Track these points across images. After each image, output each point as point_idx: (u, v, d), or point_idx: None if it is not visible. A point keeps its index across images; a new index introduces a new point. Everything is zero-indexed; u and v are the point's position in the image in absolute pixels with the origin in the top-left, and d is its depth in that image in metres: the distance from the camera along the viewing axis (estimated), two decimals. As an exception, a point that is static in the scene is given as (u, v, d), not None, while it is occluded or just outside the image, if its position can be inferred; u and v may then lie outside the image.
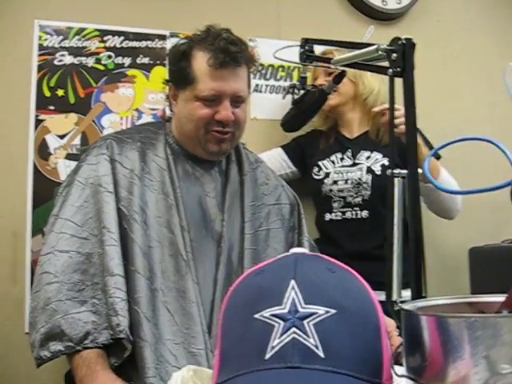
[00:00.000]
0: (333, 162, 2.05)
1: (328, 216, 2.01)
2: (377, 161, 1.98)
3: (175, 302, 1.39)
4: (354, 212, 1.98)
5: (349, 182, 1.98)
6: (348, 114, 2.07)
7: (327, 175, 2.03)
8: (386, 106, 1.72)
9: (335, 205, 2.00)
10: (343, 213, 2.00)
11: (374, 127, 2.05)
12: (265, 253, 1.55)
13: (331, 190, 2.01)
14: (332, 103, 1.99)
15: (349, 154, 2.04)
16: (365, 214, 1.96)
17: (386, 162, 1.98)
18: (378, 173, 1.96)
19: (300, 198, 1.77)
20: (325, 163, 2.05)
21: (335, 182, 2.01)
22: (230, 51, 1.44)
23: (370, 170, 1.98)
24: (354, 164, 2.01)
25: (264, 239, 1.58)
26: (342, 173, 2.01)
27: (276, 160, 2.09)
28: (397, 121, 1.75)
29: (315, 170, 2.06)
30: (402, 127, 1.75)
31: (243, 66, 1.51)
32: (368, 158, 2.01)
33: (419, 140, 1.82)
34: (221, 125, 1.50)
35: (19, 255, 1.96)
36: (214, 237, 1.52)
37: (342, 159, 2.04)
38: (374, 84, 2.03)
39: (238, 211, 1.58)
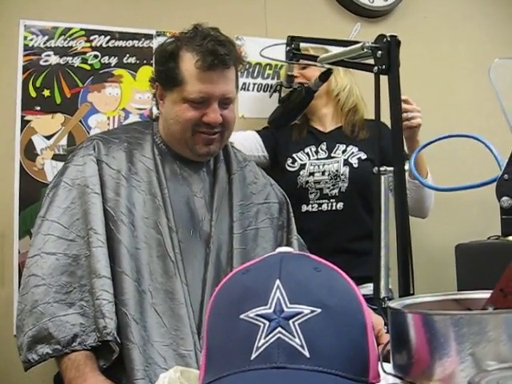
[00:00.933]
0: (307, 155, 2.05)
1: (304, 207, 2.01)
2: (353, 154, 2.01)
3: (163, 303, 1.38)
4: (329, 204, 1.99)
5: (326, 173, 1.99)
6: (321, 108, 2.09)
7: (303, 167, 2.03)
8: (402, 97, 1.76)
9: (311, 196, 2.01)
10: (319, 204, 2.00)
11: (348, 124, 2.07)
12: (254, 252, 1.55)
13: (307, 182, 2.01)
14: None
15: (323, 146, 2.05)
16: (340, 205, 1.98)
17: (362, 155, 2.01)
18: (356, 165, 1.99)
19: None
20: (299, 155, 2.05)
21: (312, 174, 2.01)
22: (218, 53, 1.43)
23: (347, 163, 2.00)
24: (330, 157, 2.02)
25: (253, 238, 1.58)
26: (318, 165, 2.02)
27: (251, 141, 2.08)
28: (410, 114, 1.77)
29: (289, 161, 2.05)
30: (415, 121, 1.80)
31: (231, 68, 1.50)
32: (344, 151, 2.03)
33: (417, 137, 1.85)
34: (209, 127, 1.49)
35: (6, 257, 1.95)
36: (203, 237, 1.52)
37: (316, 152, 2.05)
38: (346, 81, 2.07)
39: (226, 211, 1.57)
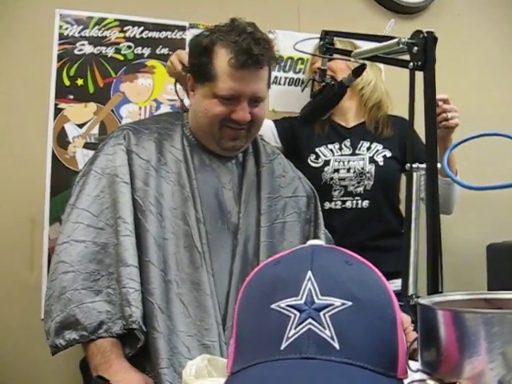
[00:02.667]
0: (331, 151, 2.02)
1: (327, 205, 1.98)
2: (378, 152, 1.98)
3: (189, 293, 1.39)
4: (354, 201, 1.97)
5: (351, 171, 1.97)
6: (345, 102, 2.04)
7: (327, 163, 2.00)
8: (440, 96, 1.73)
9: (335, 193, 1.99)
10: (343, 202, 1.98)
11: (371, 120, 2.05)
12: (281, 246, 1.55)
13: (332, 179, 1.98)
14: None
15: (347, 143, 2.03)
16: (365, 203, 1.96)
17: (387, 153, 1.99)
18: (381, 163, 1.97)
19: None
20: (322, 151, 2.03)
21: (336, 171, 1.99)
22: (252, 52, 1.42)
23: (372, 161, 1.98)
24: (355, 154, 2.00)
25: (280, 232, 1.58)
26: (343, 161, 2.00)
27: (267, 130, 2.05)
28: (450, 114, 1.75)
29: (312, 157, 2.02)
30: (453, 121, 1.78)
31: (265, 67, 1.49)
32: (369, 148, 2.00)
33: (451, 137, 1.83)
34: (236, 124, 1.49)
35: (37, 242, 1.98)
36: (231, 229, 1.52)
37: (340, 148, 2.03)
38: (371, 76, 2.03)
39: (254, 203, 1.58)
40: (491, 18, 2.66)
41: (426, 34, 1.10)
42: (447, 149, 1.82)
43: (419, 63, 1.10)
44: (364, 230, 1.97)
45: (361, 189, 1.97)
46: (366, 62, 1.87)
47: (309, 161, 2.03)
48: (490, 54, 2.61)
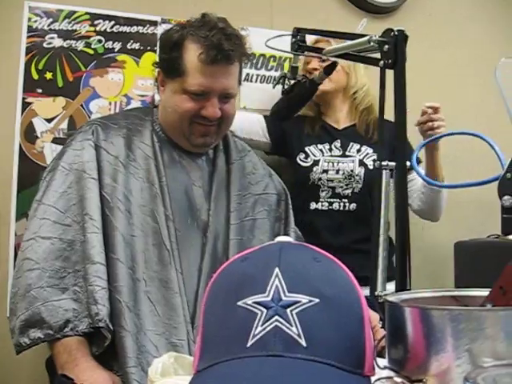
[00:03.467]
0: (321, 151, 2.02)
1: (313, 205, 1.98)
2: (368, 155, 1.98)
3: (157, 292, 1.37)
4: (341, 203, 1.96)
5: (340, 172, 1.97)
6: (336, 103, 2.06)
7: (316, 163, 1.99)
8: (431, 104, 1.78)
9: (322, 194, 1.98)
10: (330, 203, 1.97)
11: (362, 123, 2.05)
12: (250, 243, 1.54)
13: (320, 179, 1.98)
14: (324, 88, 1.93)
15: (337, 144, 2.02)
16: (353, 206, 1.96)
17: (376, 156, 1.98)
18: (371, 167, 1.96)
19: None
20: (312, 150, 2.02)
21: (325, 171, 1.98)
22: (222, 48, 1.41)
23: (362, 163, 1.97)
24: (345, 155, 2.00)
25: (250, 229, 1.57)
26: (332, 162, 1.99)
27: (255, 124, 2.05)
28: (436, 123, 1.76)
29: (301, 156, 2.02)
30: (439, 131, 1.78)
31: (235, 63, 1.48)
32: (359, 151, 2.00)
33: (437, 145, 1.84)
34: (206, 120, 1.48)
35: (3, 239, 1.94)
36: (200, 226, 1.51)
37: (330, 149, 2.02)
38: (365, 80, 2.04)
39: (224, 200, 1.57)
40: (462, 18, 2.70)
41: (396, 33, 1.11)
42: (433, 156, 1.85)
43: (390, 61, 1.11)
44: (350, 232, 1.96)
45: (349, 191, 1.96)
46: (362, 65, 1.88)
47: (298, 159, 2.02)
48: (461, 54, 2.64)
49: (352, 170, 1.96)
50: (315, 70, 1.94)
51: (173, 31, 1.49)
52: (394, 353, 0.72)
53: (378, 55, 1.16)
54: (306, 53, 1.57)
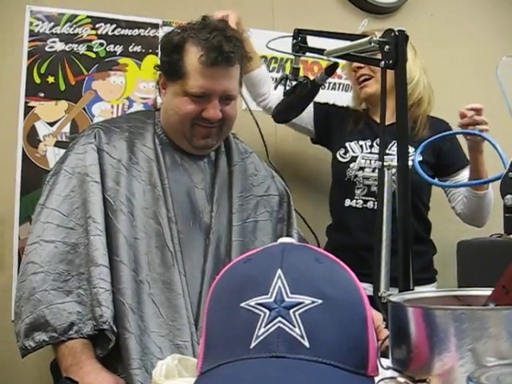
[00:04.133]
0: (361, 147, 1.97)
1: (348, 202, 1.95)
2: (409, 154, 1.94)
3: (161, 294, 1.38)
4: (376, 202, 1.94)
5: (376, 170, 1.93)
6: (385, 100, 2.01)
7: (354, 159, 1.95)
8: (472, 106, 1.67)
9: (358, 191, 1.94)
10: (365, 201, 1.93)
11: (409, 119, 1.99)
12: (252, 245, 1.54)
13: (356, 176, 1.94)
14: (370, 91, 1.92)
15: (379, 141, 1.99)
16: None
17: (418, 157, 1.94)
18: (410, 167, 1.92)
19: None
20: (352, 146, 1.98)
21: (362, 168, 1.94)
22: (223, 50, 1.41)
23: None
24: (384, 153, 1.97)
25: (252, 231, 1.57)
26: (370, 160, 1.94)
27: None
28: (479, 127, 1.63)
29: (341, 151, 1.98)
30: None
31: (236, 65, 1.48)
32: None
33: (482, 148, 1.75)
34: (208, 122, 1.49)
35: (7, 243, 1.95)
36: (203, 228, 1.51)
37: (371, 146, 1.97)
38: (415, 72, 1.94)
39: (226, 202, 1.57)
40: (463, 18, 2.70)
41: (397, 33, 1.11)
42: (477, 159, 1.76)
43: (390, 61, 1.11)
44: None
45: None
46: (410, 55, 1.77)
47: (337, 155, 1.99)
48: (462, 54, 2.64)
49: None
50: (359, 68, 1.91)
51: (173, 34, 1.50)
52: (398, 353, 0.72)
53: (379, 56, 1.16)
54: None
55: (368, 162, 1.95)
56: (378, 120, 1.99)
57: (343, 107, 2.13)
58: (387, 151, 1.94)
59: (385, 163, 1.10)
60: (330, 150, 2.05)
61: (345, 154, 1.98)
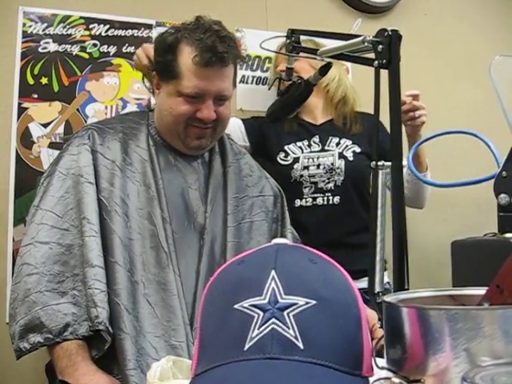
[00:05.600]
0: (300, 148, 2.02)
1: (298, 202, 1.99)
2: (347, 147, 1.99)
3: (156, 294, 1.38)
4: (325, 198, 1.97)
5: (321, 167, 1.97)
6: (312, 99, 2.04)
7: (296, 160, 2.00)
8: (411, 92, 1.76)
9: (305, 190, 1.99)
10: (314, 198, 1.98)
11: (339, 116, 2.05)
12: (248, 245, 1.54)
13: (302, 176, 1.99)
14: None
15: (316, 139, 2.03)
16: (336, 199, 1.97)
17: (356, 148, 2.00)
18: (351, 159, 1.98)
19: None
20: (291, 148, 2.03)
21: (306, 168, 1.99)
22: (217, 50, 1.41)
23: (342, 156, 1.98)
24: (324, 150, 2.00)
25: (247, 231, 1.58)
26: (312, 158, 2.00)
27: (234, 129, 2.04)
28: (417, 112, 1.76)
29: (281, 155, 2.03)
30: (420, 120, 1.78)
31: (229, 65, 1.48)
32: (338, 144, 2.01)
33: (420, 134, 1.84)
34: (202, 122, 1.49)
35: (0, 244, 1.94)
36: (197, 229, 1.51)
37: (309, 145, 2.03)
38: (335, 72, 2.01)
39: (220, 203, 1.57)
40: (457, 17, 2.71)
41: (390, 33, 1.11)
42: (414, 144, 1.82)
43: (384, 61, 1.11)
44: (336, 226, 1.97)
45: (331, 185, 1.97)
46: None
47: (278, 159, 2.02)
48: (456, 53, 2.65)
49: (332, 164, 1.97)
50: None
51: (167, 34, 1.50)
52: (392, 353, 0.72)
53: (372, 55, 1.16)
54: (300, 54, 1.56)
55: (311, 160, 2.00)
56: (311, 120, 2.09)
57: None
58: (326, 147, 1.99)
59: (379, 163, 1.10)
60: (268, 158, 2.08)
61: (286, 156, 2.03)
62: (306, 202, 1.99)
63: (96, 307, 1.30)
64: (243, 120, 2.10)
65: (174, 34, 1.48)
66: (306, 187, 1.99)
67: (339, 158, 1.98)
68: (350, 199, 1.97)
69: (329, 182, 1.97)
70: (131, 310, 1.33)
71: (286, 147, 2.04)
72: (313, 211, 1.98)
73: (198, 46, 1.42)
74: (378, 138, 1.14)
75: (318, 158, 1.99)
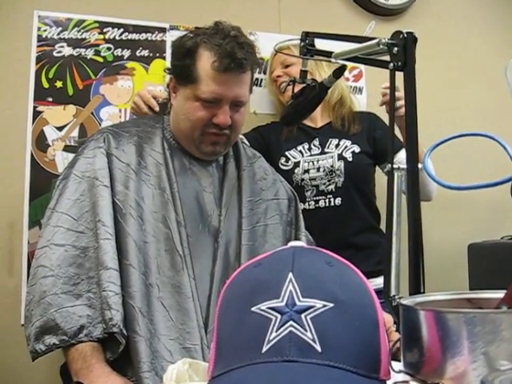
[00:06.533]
0: (300, 152, 2.03)
1: (301, 206, 1.96)
2: (347, 148, 1.99)
3: (170, 297, 1.38)
4: (326, 200, 1.97)
5: (321, 169, 1.98)
6: None
7: (297, 164, 2.01)
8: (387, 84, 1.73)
9: (308, 194, 1.99)
10: (316, 201, 1.99)
11: (337, 117, 2.05)
12: (262, 248, 1.54)
13: (303, 180, 1.99)
14: (290, 95, 1.96)
15: (316, 142, 2.04)
16: (338, 201, 1.97)
17: (356, 148, 1.99)
18: (350, 159, 1.98)
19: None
20: (292, 153, 2.03)
21: (306, 171, 1.99)
22: (235, 56, 1.42)
23: (341, 157, 1.98)
24: (324, 152, 2.01)
25: (262, 235, 1.58)
26: (312, 161, 2.00)
27: None
28: (398, 103, 1.70)
29: (282, 160, 2.03)
30: (402, 110, 1.74)
31: (247, 71, 1.49)
32: (337, 145, 2.01)
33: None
34: (218, 128, 1.49)
35: (16, 247, 1.96)
36: (212, 232, 1.51)
37: (309, 149, 2.03)
38: (330, 74, 2.00)
39: (235, 207, 1.57)
40: (471, 19, 2.69)
41: (405, 35, 1.11)
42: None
43: (399, 63, 1.10)
44: (340, 227, 1.97)
45: (332, 187, 1.97)
46: (324, 61, 1.87)
47: (279, 164, 2.03)
48: (470, 55, 2.63)
49: (332, 166, 1.97)
50: (279, 77, 2.02)
51: (186, 38, 1.50)
52: (410, 356, 0.71)
53: (387, 58, 1.16)
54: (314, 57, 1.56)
55: (311, 163, 2.01)
56: (310, 124, 2.08)
57: (270, 123, 2.19)
58: (325, 150, 2.00)
59: (394, 166, 1.09)
60: (271, 164, 2.06)
61: (286, 161, 2.03)
62: (309, 205, 1.99)
63: (110, 309, 1.30)
64: (246, 135, 2.09)
65: (192, 38, 1.49)
66: (307, 191, 2.00)
67: (338, 159, 1.98)
68: (351, 200, 1.97)
69: (329, 184, 1.97)
70: (146, 313, 1.34)
71: (286, 152, 2.04)
72: (316, 214, 1.98)
73: (218, 51, 1.43)
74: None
75: (317, 161, 2.00)
